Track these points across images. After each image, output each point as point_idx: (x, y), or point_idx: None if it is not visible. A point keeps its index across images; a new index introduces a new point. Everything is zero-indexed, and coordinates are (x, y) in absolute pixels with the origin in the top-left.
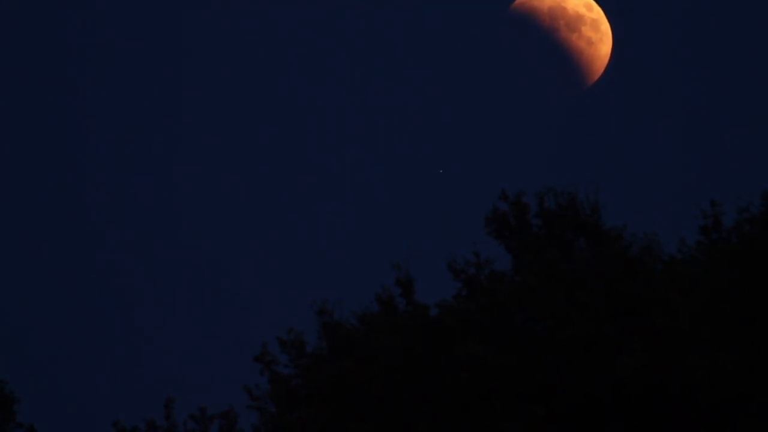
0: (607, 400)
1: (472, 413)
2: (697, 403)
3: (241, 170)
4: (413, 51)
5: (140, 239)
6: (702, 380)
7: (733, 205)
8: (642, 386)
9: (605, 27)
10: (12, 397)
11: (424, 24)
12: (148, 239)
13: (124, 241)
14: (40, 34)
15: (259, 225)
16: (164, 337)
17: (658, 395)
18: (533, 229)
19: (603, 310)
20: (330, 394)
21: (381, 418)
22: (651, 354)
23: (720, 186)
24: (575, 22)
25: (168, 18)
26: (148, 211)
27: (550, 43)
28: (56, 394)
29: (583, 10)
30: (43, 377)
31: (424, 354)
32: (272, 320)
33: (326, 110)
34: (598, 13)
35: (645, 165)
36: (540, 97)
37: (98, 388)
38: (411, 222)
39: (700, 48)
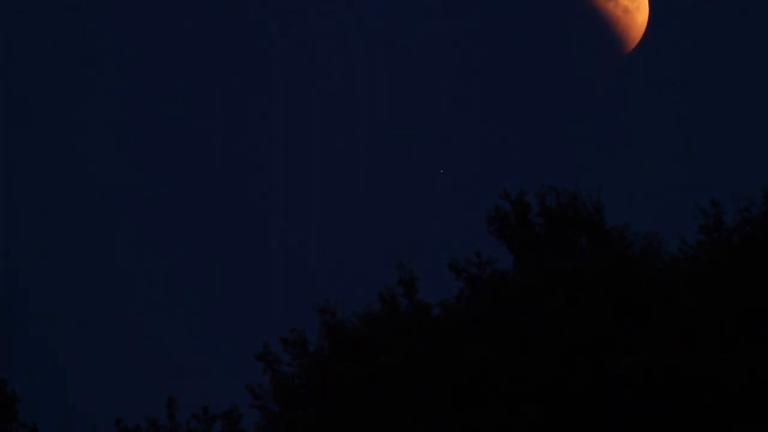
0: (608, 400)
1: (473, 413)
2: (697, 403)
3: (241, 169)
4: (415, 45)
5: (141, 239)
6: (702, 380)
7: (735, 204)
8: (642, 386)
9: None
10: (14, 397)
11: (432, 12)
12: (148, 238)
13: (125, 241)
14: None
15: (261, 224)
16: (167, 337)
17: (658, 395)
18: (535, 229)
19: (604, 309)
20: (332, 393)
21: (382, 418)
22: (651, 353)
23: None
24: None
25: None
26: (148, 210)
27: (587, 11)
28: (57, 394)
29: None
30: (43, 377)
31: (426, 354)
32: (274, 320)
33: (327, 109)
34: None
35: (648, 161)
36: (572, 68)
37: (100, 387)
38: (413, 222)
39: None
